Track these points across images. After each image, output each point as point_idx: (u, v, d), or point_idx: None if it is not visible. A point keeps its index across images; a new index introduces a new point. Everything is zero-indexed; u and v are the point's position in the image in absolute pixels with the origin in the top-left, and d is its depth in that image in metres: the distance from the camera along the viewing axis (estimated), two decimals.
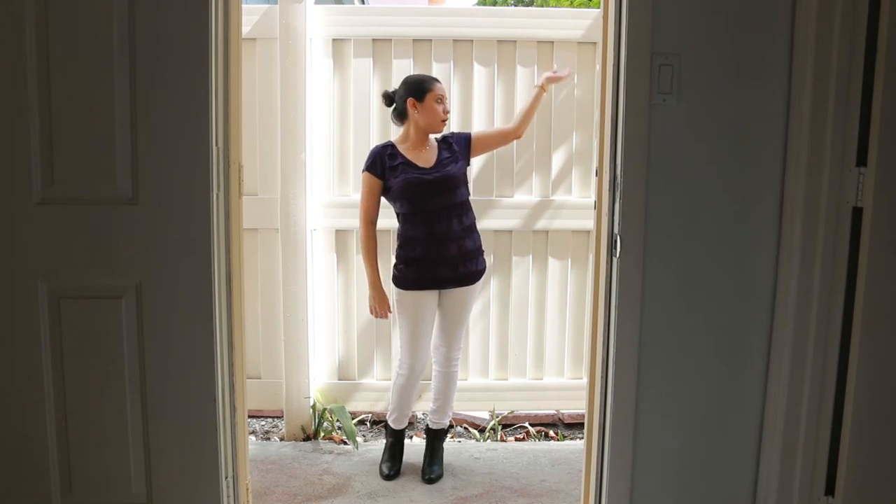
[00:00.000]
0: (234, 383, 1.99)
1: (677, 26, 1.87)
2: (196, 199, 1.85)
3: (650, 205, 1.91)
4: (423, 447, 2.95)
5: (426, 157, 2.75)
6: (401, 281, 2.74)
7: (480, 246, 2.81)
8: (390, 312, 2.80)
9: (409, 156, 2.74)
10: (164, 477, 1.94)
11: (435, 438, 2.91)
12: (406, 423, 2.92)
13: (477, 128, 3.25)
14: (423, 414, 2.97)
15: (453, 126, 3.21)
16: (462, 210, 2.74)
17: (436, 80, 2.77)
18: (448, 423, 2.95)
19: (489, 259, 3.30)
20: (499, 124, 3.23)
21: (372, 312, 2.82)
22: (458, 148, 2.81)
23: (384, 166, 2.72)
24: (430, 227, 2.69)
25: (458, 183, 2.73)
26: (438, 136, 2.83)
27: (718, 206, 1.93)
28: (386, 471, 2.85)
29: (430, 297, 2.74)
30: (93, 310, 1.89)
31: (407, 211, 2.72)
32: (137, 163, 1.83)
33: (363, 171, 2.76)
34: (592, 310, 2.12)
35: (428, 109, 2.71)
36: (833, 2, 1.77)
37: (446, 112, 2.74)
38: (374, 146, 2.83)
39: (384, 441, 2.97)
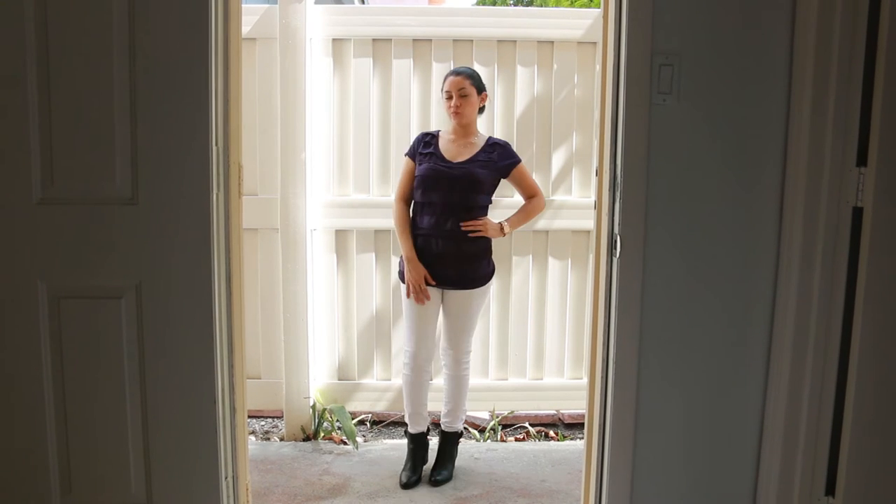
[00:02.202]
0: (234, 383, 1.99)
1: (678, 26, 1.86)
2: (196, 198, 1.85)
3: (650, 205, 1.91)
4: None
5: (458, 152, 2.74)
6: (403, 274, 2.74)
7: (486, 249, 2.76)
8: (428, 300, 2.69)
9: (443, 146, 2.75)
10: (163, 477, 1.94)
11: (445, 441, 2.88)
12: (424, 426, 2.86)
13: (479, 130, 3.25)
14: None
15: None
16: (474, 213, 2.70)
17: (451, 74, 2.74)
18: (461, 427, 2.91)
19: None
20: (499, 129, 3.24)
21: (409, 293, 2.70)
22: (500, 161, 2.74)
23: (416, 151, 2.77)
24: (436, 220, 2.68)
25: (478, 187, 2.69)
26: (483, 138, 2.78)
27: (718, 206, 1.93)
28: (404, 479, 2.77)
29: (431, 293, 2.71)
30: (92, 310, 1.89)
31: (419, 199, 2.73)
32: (137, 162, 1.83)
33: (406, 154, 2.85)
34: (592, 310, 2.12)
35: (444, 103, 2.76)
36: (833, 1, 1.77)
37: (454, 106, 2.70)
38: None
39: (386, 442, 2.95)
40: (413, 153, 2.78)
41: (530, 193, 2.83)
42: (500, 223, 2.75)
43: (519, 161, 2.79)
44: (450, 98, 2.71)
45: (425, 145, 2.76)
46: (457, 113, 2.71)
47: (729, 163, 1.91)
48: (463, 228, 2.67)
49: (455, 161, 2.71)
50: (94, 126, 1.82)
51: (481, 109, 2.80)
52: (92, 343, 1.89)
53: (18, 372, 1.89)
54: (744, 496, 2.04)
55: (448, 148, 2.74)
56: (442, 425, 2.90)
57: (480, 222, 2.69)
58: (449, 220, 2.67)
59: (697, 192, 1.92)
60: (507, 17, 3.43)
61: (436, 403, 2.94)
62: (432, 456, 2.90)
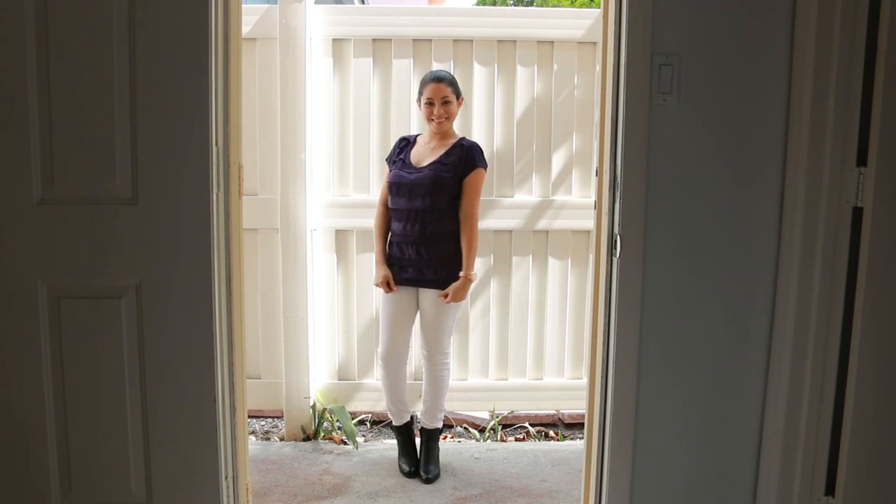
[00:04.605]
0: (234, 383, 1.99)
1: (677, 26, 1.86)
2: (196, 199, 1.85)
3: (650, 205, 1.91)
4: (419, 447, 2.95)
5: (426, 156, 2.76)
6: None
7: (449, 256, 2.71)
8: (394, 289, 2.76)
9: (414, 151, 2.78)
10: (163, 477, 1.94)
11: (429, 438, 2.91)
12: (407, 419, 2.92)
13: (479, 131, 3.25)
14: (420, 414, 2.97)
15: (457, 128, 3.19)
16: (435, 217, 2.68)
17: (434, 80, 2.71)
18: (440, 425, 2.94)
19: (489, 259, 3.31)
20: (499, 130, 3.25)
21: (375, 282, 2.84)
22: (460, 163, 2.70)
23: (392, 156, 2.84)
24: (403, 226, 2.74)
25: (441, 189, 2.67)
26: (455, 140, 2.76)
27: (718, 206, 1.92)
28: (406, 468, 2.86)
29: (404, 293, 2.78)
30: (92, 310, 1.88)
31: (390, 206, 2.80)
32: (137, 162, 1.83)
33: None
34: (592, 310, 2.12)
35: (422, 108, 2.76)
36: (833, 1, 1.77)
37: (437, 115, 2.69)
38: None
39: (386, 441, 2.96)
40: (390, 159, 2.84)
41: (466, 211, 2.69)
42: (463, 277, 2.70)
43: (477, 167, 2.70)
44: (431, 105, 2.70)
45: (399, 151, 2.81)
46: (441, 122, 2.71)
47: (729, 162, 1.91)
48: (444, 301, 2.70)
49: (418, 166, 2.73)
50: (94, 126, 1.82)
51: None
52: (92, 343, 1.89)
53: (18, 372, 1.89)
54: (744, 496, 2.04)
55: (417, 152, 2.77)
56: (421, 423, 2.93)
57: (452, 292, 2.69)
58: (415, 225, 2.71)
59: (697, 191, 1.92)
60: (507, 17, 3.43)
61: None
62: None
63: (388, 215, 2.81)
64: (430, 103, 2.71)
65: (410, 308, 2.81)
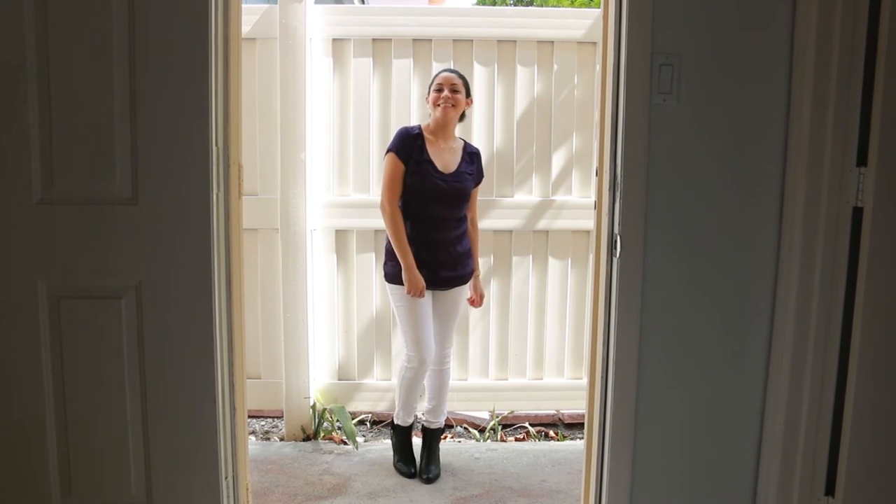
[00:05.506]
0: (234, 383, 1.99)
1: (678, 26, 1.86)
2: (196, 199, 1.85)
3: (650, 205, 1.91)
4: (420, 447, 2.95)
5: (447, 161, 2.74)
6: (396, 277, 2.73)
7: (469, 253, 2.86)
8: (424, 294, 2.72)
9: (432, 153, 2.72)
10: (163, 477, 1.94)
11: (432, 438, 2.91)
12: (413, 419, 2.93)
13: (479, 131, 3.25)
14: (422, 414, 2.97)
15: (458, 127, 3.19)
16: (461, 220, 2.79)
17: (447, 70, 2.79)
18: (443, 423, 2.95)
19: (489, 259, 3.31)
20: (499, 130, 3.24)
21: (409, 291, 2.68)
22: (478, 173, 2.85)
23: (411, 156, 2.69)
24: (429, 231, 2.71)
25: (467, 196, 2.79)
26: (461, 143, 2.82)
27: (718, 206, 1.93)
28: (406, 468, 2.86)
29: (428, 297, 2.75)
30: (92, 310, 1.89)
31: (414, 210, 2.72)
32: (137, 163, 1.83)
33: (390, 151, 2.70)
34: (592, 310, 2.12)
35: (430, 97, 2.76)
36: (834, 1, 1.77)
37: (444, 99, 2.69)
38: (402, 127, 2.78)
39: (386, 441, 2.96)
40: (406, 155, 2.66)
41: (473, 213, 2.90)
42: (476, 276, 2.91)
43: (483, 176, 2.91)
44: (440, 91, 2.71)
45: (419, 150, 2.69)
46: (448, 106, 2.69)
47: (729, 162, 1.91)
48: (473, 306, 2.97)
49: (447, 173, 2.73)
50: (94, 126, 1.82)
51: (462, 116, 2.81)
52: (92, 343, 1.89)
53: (18, 372, 1.89)
54: (744, 495, 2.04)
55: (439, 157, 2.73)
56: (425, 423, 2.93)
57: (478, 297, 2.93)
58: (444, 229, 2.73)
59: (697, 191, 1.92)
60: (507, 16, 3.43)
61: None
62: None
63: (401, 217, 2.71)
64: (439, 89, 2.72)
65: (430, 306, 2.81)
